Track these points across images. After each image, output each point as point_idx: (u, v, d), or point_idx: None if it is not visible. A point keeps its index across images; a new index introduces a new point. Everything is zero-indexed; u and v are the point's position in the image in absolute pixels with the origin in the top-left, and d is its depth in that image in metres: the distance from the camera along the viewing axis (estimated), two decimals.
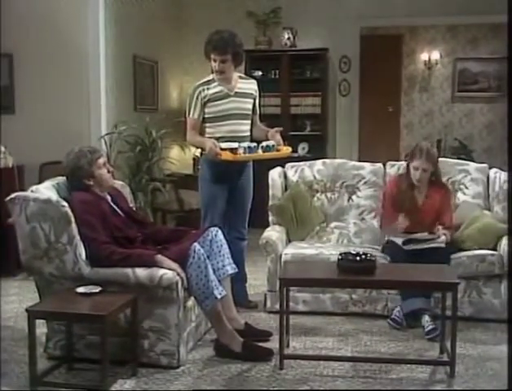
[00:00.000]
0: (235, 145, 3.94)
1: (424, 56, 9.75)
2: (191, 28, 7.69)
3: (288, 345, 3.58)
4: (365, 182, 4.63)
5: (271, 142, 4.05)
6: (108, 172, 3.54)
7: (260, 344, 3.53)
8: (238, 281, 4.06)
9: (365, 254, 3.38)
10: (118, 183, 3.88)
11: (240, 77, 4.22)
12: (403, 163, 4.62)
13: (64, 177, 3.55)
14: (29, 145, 5.56)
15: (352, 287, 3.96)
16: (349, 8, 7.44)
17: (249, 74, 7.38)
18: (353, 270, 3.31)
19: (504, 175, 4.44)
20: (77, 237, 3.25)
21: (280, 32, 7.41)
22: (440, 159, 4.71)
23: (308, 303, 4.17)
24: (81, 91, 5.73)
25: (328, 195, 4.66)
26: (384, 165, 4.69)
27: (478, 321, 4.00)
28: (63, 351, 3.37)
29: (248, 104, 4.17)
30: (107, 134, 5.67)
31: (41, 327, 3.39)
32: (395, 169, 4.61)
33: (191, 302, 3.48)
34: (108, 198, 3.57)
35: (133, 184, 5.51)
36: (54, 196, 3.32)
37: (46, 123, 5.73)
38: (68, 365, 3.32)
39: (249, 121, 4.21)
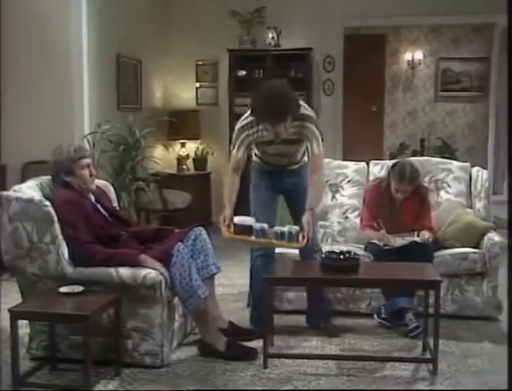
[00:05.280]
0: (250, 221, 3.50)
1: (407, 56, 9.82)
2: (175, 27, 7.67)
3: (272, 344, 3.58)
4: (349, 181, 4.65)
5: (287, 229, 3.42)
6: (91, 175, 3.50)
7: (244, 343, 3.53)
8: (318, 301, 3.91)
9: (349, 252, 3.39)
10: (102, 183, 3.86)
11: (294, 119, 3.51)
12: (387, 162, 4.65)
13: (48, 177, 3.53)
14: (12, 144, 5.51)
15: (336, 286, 3.97)
16: (333, 8, 7.45)
17: (233, 74, 7.45)
18: (337, 269, 3.33)
19: (485, 173, 4.49)
20: (60, 236, 3.23)
21: (265, 32, 7.42)
22: (423, 158, 4.76)
23: (293, 302, 4.17)
24: (64, 90, 5.68)
25: None
26: (367, 164, 4.71)
27: (461, 319, 4.03)
28: (46, 351, 3.35)
29: (296, 146, 3.76)
30: (90, 134, 5.63)
31: (25, 328, 3.37)
32: (378, 167, 4.63)
33: (175, 302, 3.47)
34: (92, 197, 3.55)
35: (116, 183, 5.46)
36: (36, 196, 3.29)
37: (28, 122, 5.67)
38: (51, 365, 3.30)
39: (301, 144, 3.77)
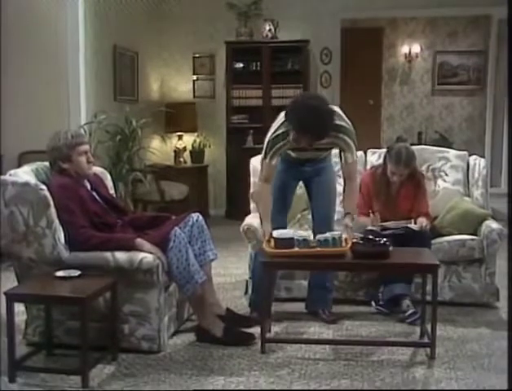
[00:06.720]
0: (289, 233, 3.41)
1: (404, 49, 9.79)
2: (172, 19, 7.65)
3: (269, 331, 3.57)
4: None
5: (330, 235, 3.34)
6: (88, 162, 3.48)
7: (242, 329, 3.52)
8: (319, 288, 3.89)
9: (370, 238, 3.37)
10: (98, 169, 3.84)
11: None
12: (385, 150, 4.63)
13: (44, 163, 3.51)
14: (8, 134, 5.49)
15: (334, 270, 3.88)
16: (330, 0, 7.44)
17: (230, 66, 7.43)
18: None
19: (483, 162, 4.48)
20: (56, 221, 3.21)
21: (262, 24, 7.40)
22: (420, 146, 4.74)
23: (290, 290, 4.16)
24: (61, 80, 5.67)
25: None
26: (365, 153, 4.70)
27: (458, 305, 4.03)
28: (42, 337, 3.33)
29: (325, 152, 3.78)
30: (86, 124, 5.61)
31: (21, 315, 3.36)
32: (375, 156, 4.62)
33: (172, 287, 3.46)
34: (88, 185, 3.53)
35: (113, 174, 5.45)
36: (32, 180, 3.27)
37: (24, 112, 5.65)
38: (48, 351, 3.28)
39: (330, 150, 3.80)
